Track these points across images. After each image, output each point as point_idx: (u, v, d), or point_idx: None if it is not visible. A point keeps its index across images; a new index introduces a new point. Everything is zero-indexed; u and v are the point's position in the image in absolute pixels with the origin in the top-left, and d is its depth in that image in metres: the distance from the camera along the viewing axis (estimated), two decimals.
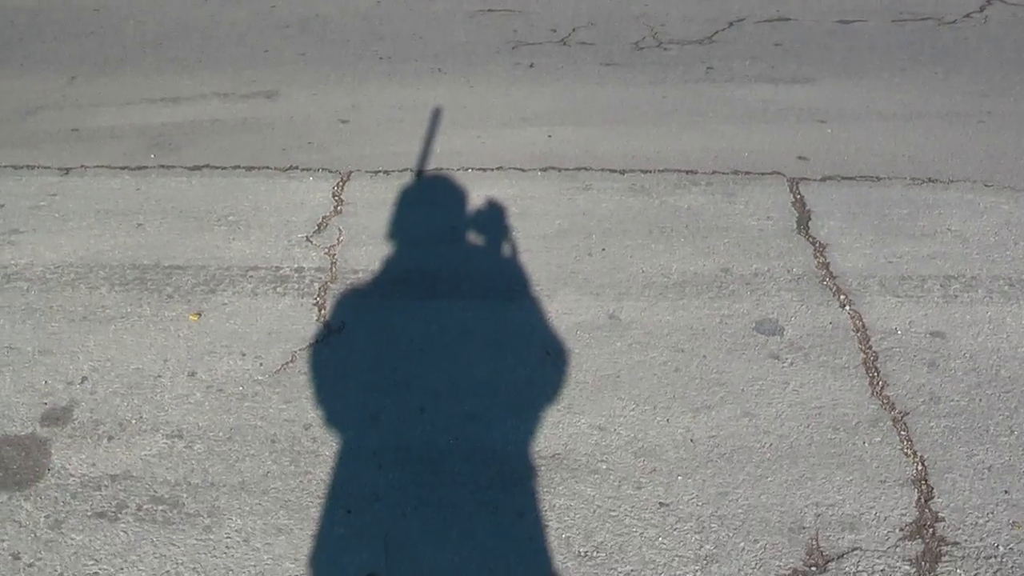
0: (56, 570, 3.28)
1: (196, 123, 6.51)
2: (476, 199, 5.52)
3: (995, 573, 3.25)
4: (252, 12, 8.65)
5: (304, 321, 4.50)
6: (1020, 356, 4.24)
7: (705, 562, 3.30)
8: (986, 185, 5.64)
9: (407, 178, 5.75)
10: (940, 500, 3.52)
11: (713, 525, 3.43)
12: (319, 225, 5.26)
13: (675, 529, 3.42)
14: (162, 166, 5.95)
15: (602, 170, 5.79)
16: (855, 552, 3.33)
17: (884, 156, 5.98)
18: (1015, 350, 4.28)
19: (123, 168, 5.93)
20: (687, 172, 5.77)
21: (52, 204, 5.52)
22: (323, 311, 4.56)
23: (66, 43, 8.05)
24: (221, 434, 3.85)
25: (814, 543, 3.36)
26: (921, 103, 6.72)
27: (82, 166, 5.95)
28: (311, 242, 5.11)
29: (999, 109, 6.60)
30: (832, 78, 7.14)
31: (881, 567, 3.27)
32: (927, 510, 3.48)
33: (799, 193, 5.55)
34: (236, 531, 3.42)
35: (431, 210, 5.44)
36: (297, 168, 5.87)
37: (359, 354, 4.28)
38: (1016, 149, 6.04)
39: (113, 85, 7.20)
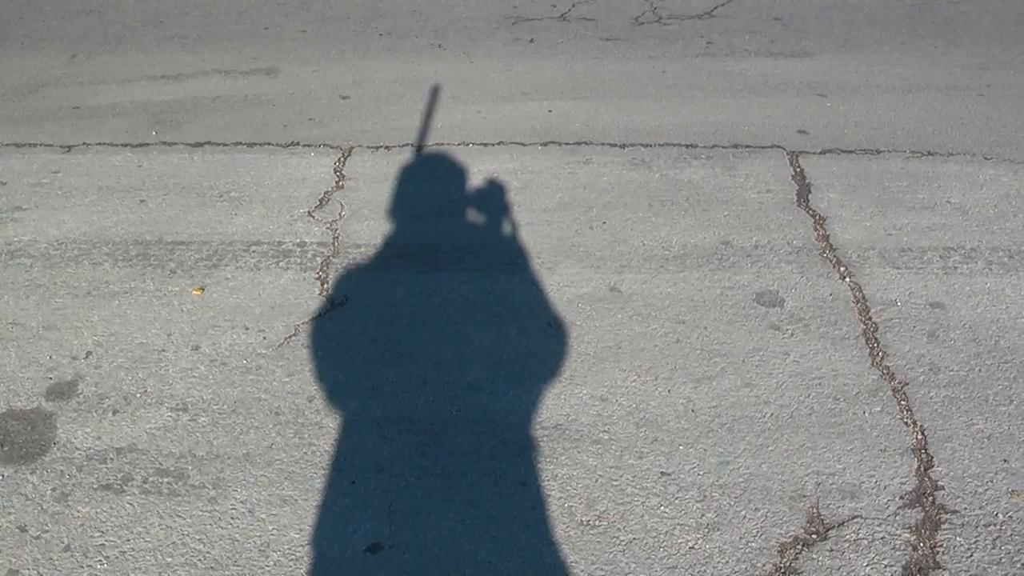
0: (63, 542, 3.30)
1: (197, 100, 6.52)
2: (477, 173, 5.53)
3: (994, 540, 3.27)
4: None
5: (307, 295, 4.52)
6: (1019, 326, 4.26)
7: (706, 530, 3.32)
8: (985, 158, 5.66)
9: (408, 153, 5.76)
10: (940, 469, 3.55)
11: (714, 494, 3.46)
12: (321, 200, 5.28)
13: (676, 498, 3.44)
14: (164, 143, 5.96)
15: (602, 144, 5.81)
16: (855, 520, 3.35)
17: (884, 129, 6.00)
18: (1014, 320, 4.30)
19: (125, 145, 5.95)
20: (687, 146, 5.78)
21: (55, 181, 5.54)
22: (326, 285, 4.58)
23: (67, 21, 8.06)
24: (225, 407, 3.87)
25: (815, 511, 3.38)
26: (921, 76, 6.74)
27: (84, 143, 5.97)
28: (313, 217, 5.12)
29: (998, 82, 6.62)
30: (832, 52, 7.15)
31: (881, 535, 3.29)
32: (927, 479, 3.50)
33: (799, 166, 5.56)
34: (241, 502, 3.45)
35: (432, 184, 5.46)
36: (298, 144, 5.89)
37: (361, 327, 4.30)
38: (1015, 122, 6.06)
39: (114, 62, 7.22)
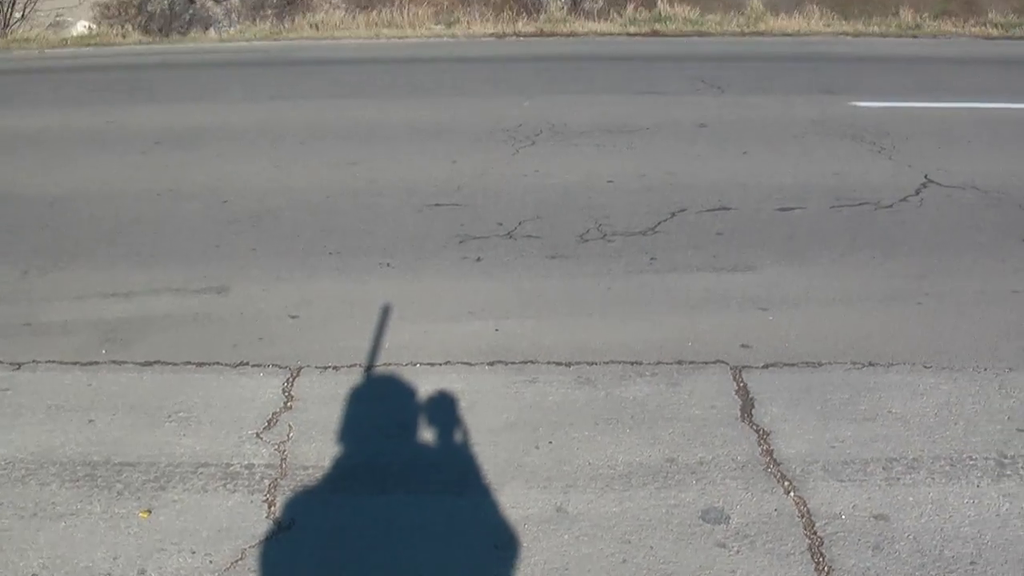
0: None
1: (148, 318, 6.56)
2: (424, 394, 5.58)
3: None
4: (204, 206, 8.79)
5: (254, 518, 4.51)
6: (963, 535, 4.32)
7: None
8: (925, 367, 5.77)
9: (357, 373, 5.81)
10: None
11: None
12: (269, 421, 5.30)
13: None
14: (113, 361, 5.99)
15: (548, 363, 5.89)
16: None
17: (825, 341, 6.12)
18: (958, 529, 4.35)
19: (75, 363, 5.97)
20: (632, 363, 5.87)
21: (3, 399, 5.55)
22: (273, 508, 4.58)
23: (20, 236, 8.14)
24: None
25: None
26: (860, 287, 6.89)
27: (34, 361, 5.99)
28: (261, 438, 5.14)
29: (936, 290, 6.79)
30: (773, 265, 7.30)
31: None
32: None
33: (742, 381, 5.65)
34: None
35: (380, 405, 5.50)
36: (247, 364, 5.93)
37: (309, 550, 4.30)
38: (954, 330, 6.21)
39: (66, 279, 7.28)
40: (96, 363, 5.98)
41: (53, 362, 5.99)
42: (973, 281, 7.00)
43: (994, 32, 20.56)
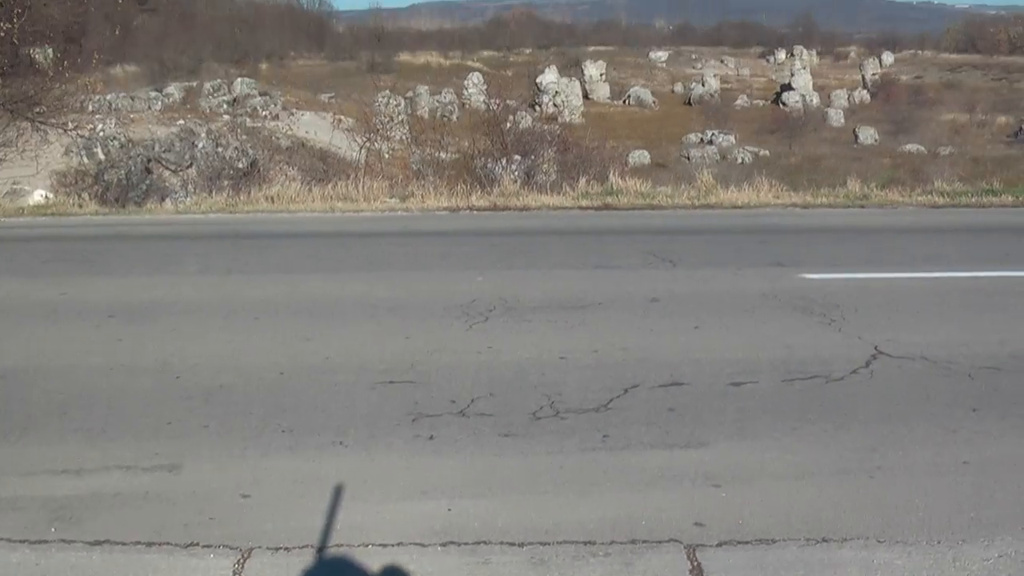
0: None
1: (98, 496, 6.51)
2: None
3: None
4: (157, 382, 8.77)
5: None
6: None
7: None
8: (879, 541, 5.79)
9: (308, 555, 5.77)
10: None
11: None
12: None
13: None
14: (63, 540, 5.93)
15: (501, 543, 5.86)
16: None
17: (778, 518, 6.13)
18: None
19: (22, 541, 5.91)
20: (585, 543, 5.85)
21: None
22: None
23: None
24: None
25: None
26: (812, 461, 6.94)
27: None
28: None
29: (888, 463, 6.83)
30: (725, 441, 7.34)
31: None
32: None
33: (696, 560, 5.65)
34: None
35: None
36: (198, 544, 5.87)
37: None
38: (906, 502, 6.25)
39: (16, 454, 7.22)
40: (45, 541, 5.92)
41: (0, 539, 5.92)
42: (925, 452, 7.07)
43: (940, 200, 20.95)
